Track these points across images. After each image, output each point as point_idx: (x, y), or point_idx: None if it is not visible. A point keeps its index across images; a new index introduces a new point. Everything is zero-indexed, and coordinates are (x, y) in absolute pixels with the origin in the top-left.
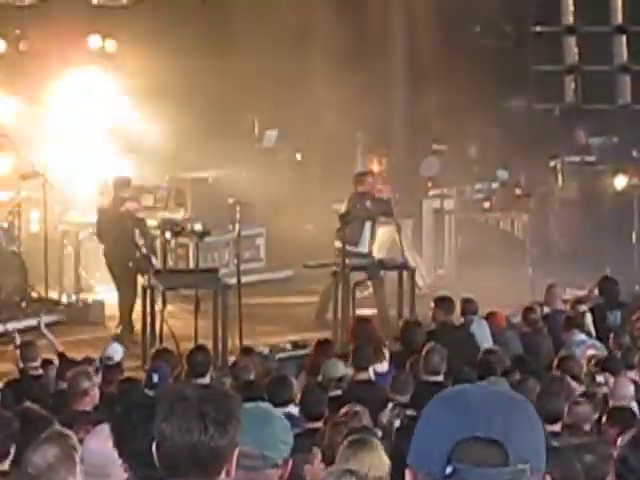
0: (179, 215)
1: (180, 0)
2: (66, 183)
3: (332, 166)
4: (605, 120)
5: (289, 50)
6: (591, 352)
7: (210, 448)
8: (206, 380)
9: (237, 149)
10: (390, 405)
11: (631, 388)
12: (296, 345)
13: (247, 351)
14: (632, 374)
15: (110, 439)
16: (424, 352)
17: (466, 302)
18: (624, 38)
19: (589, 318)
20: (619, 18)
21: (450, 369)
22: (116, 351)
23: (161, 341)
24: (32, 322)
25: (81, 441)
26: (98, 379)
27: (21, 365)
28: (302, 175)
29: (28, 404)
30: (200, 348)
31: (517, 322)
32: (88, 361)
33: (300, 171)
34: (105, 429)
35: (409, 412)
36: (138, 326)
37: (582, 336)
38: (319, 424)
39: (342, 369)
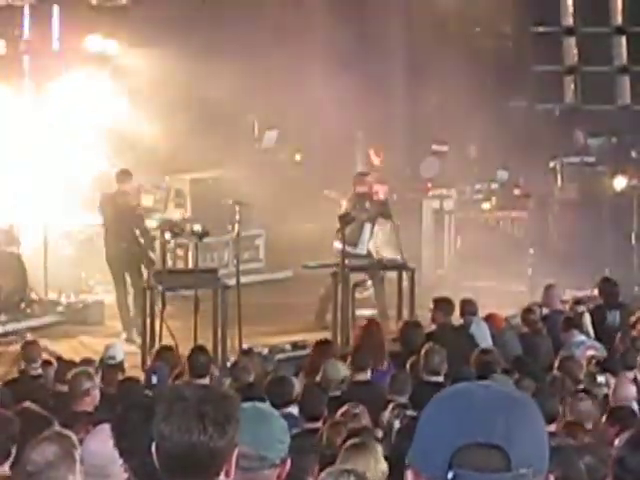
0: (178, 216)
1: (180, 0)
2: (65, 184)
3: (332, 166)
4: (604, 121)
5: (289, 50)
6: (591, 353)
7: (209, 448)
8: (206, 381)
9: (237, 149)
10: (390, 406)
11: (633, 389)
12: (296, 346)
13: (247, 352)
14: (631, 375)
15: (110, 439)
16: (424, 352)
17: (465, 303)
18: (624, 39)
19: (588, 319)
20: (619, 19)
21: (450, 370)
22: (118, 351)
23: (160, 341)
24: (32, 323)
25: (81, 441)
26: (98, 379)
27: (22, 365)
28: (302, 175)
29: (28, 404)
30: (200, 349)
31: (516, 323)
32: (87, 362)
33: (300, 171)
34: (105, 429)
35: (409, 412)
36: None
37: (581, 337)
38: (318, 424)
39: (342, 370)
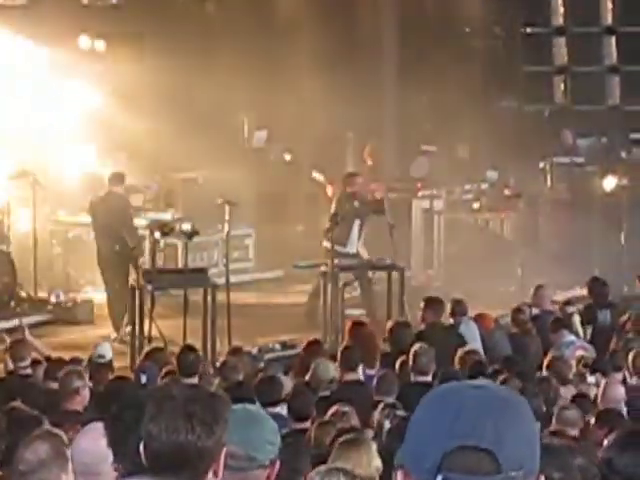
0: (169, 215)
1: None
2: (55, 183)
3: (322, 166)
4: (594, 121)
5: (279, 50)
6: (580, 353)
7: (197, 448)
8: (195, 380)
9: (227, 149)
10: (380, 406)
11: (621, 390)
12: (285, 345)
13: (236, 351)
14: (620, 376)
15: (101, 438)
16: (412, 353)
17: (455, 303)
18: (614, 39)
19: (577, 319)
20: (609, 19)
21: (438, 369)
22: (107, 350)
23: (150, 341)
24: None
25: (71, 440)
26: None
27: (11, 364)
28: (291, 175)
29: (17, 403)
30: (189, 348)
31: (506, 323)
32: (76, 361)
33: (289, 171)
34: (96, 428)
35: (399, 413)
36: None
37: (571, 337)
38: (307, 424)
39: (332, 370)
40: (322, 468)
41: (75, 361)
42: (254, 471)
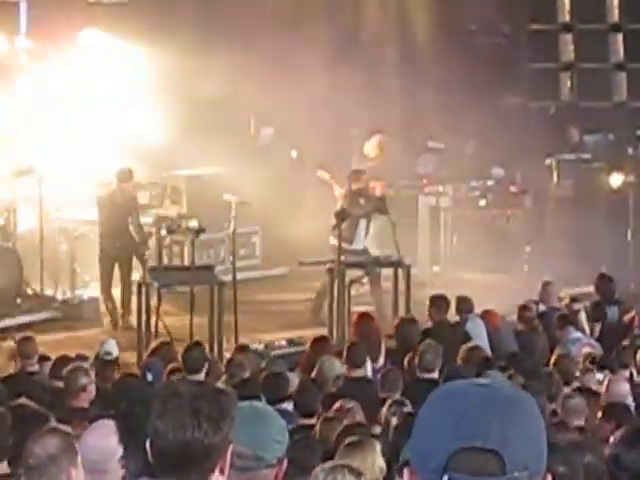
0: (174, 212)
1: None
2: (61, 180)
3: (327, 165)
4: (601, 117)
5: (285, 47)
6: (587, 350)
7: (203, 445)
8: (201, 376)
9: (233, 147)
10: (388, 402)
11: (626, 386)
12: (291, 342)
13: (242, 348)
14: (626, 373)
15: (109, 435)
16: (419, 350)
17: (461, 300)
18: (620, 36)
19: (583, 316)
20: (615, 16)
21: (445, 366)
22: (113, 346)
23: (156, 338)
24: (28, 319)
25: (77, 438)
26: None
27: (19, 361)
28: (298, 173)
29: (23, 400)
30: (195, 345)
31: (512, 320)
32: (82, 358)
33: (296, 169)
34: (105, 425)
35: (406, 409)
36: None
37: (578, 334)
38: (313, 421)
39: (339, 367)
40: (327, 465)
41: (81, 358)
42: (262, 471)
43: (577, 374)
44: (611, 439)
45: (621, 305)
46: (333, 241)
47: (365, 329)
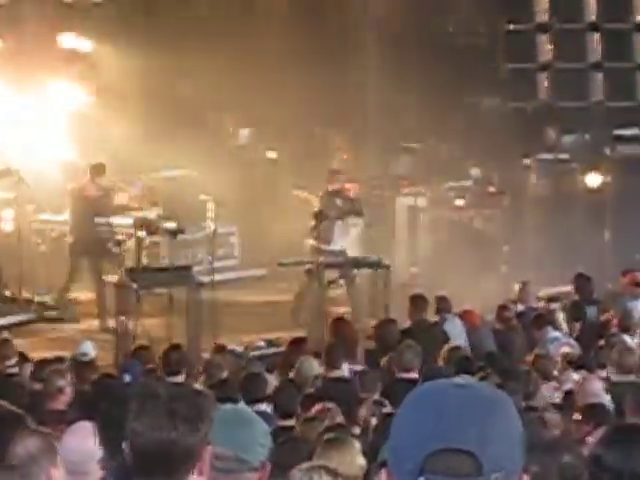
0: (153, 213)
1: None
2: (38, 182)
3: (306, 164)
4: (578, 118)
5: (262, 48)
6: (565, 349)
7: (180, 446)
8: (180, 378)
9: (210, 147)
10: (367, 402)
11: (599, 385)
12: (270, 343)
13: (220, 349)
14: (603, 373)
15: (89, 437)
16: (398, 349)
17: (440, 300)
18: (597, 36)
19: (561, 316)
20: (592, 16)
21: (424, 366)
22: (90, 348)
23: (134, 340)
24: (6, 321)
25: (56, 440)
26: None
27: None
28: (275, 173)
29: (0, 402)
30: (174, 347)
31: (491, 320)
32: (59, 360)
33: (273, 169)
34: (85, 426)
35: (385, 409)
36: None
37: (556, 333)
38: (292, 422)
39: (317, 368)
40: (304, 466)
41: (58, 360)
42: (245, 474)
43: (555, 373)
44: (590, 439)
45: (599, 304)
46: (311, 241)
47: (341, 331)
